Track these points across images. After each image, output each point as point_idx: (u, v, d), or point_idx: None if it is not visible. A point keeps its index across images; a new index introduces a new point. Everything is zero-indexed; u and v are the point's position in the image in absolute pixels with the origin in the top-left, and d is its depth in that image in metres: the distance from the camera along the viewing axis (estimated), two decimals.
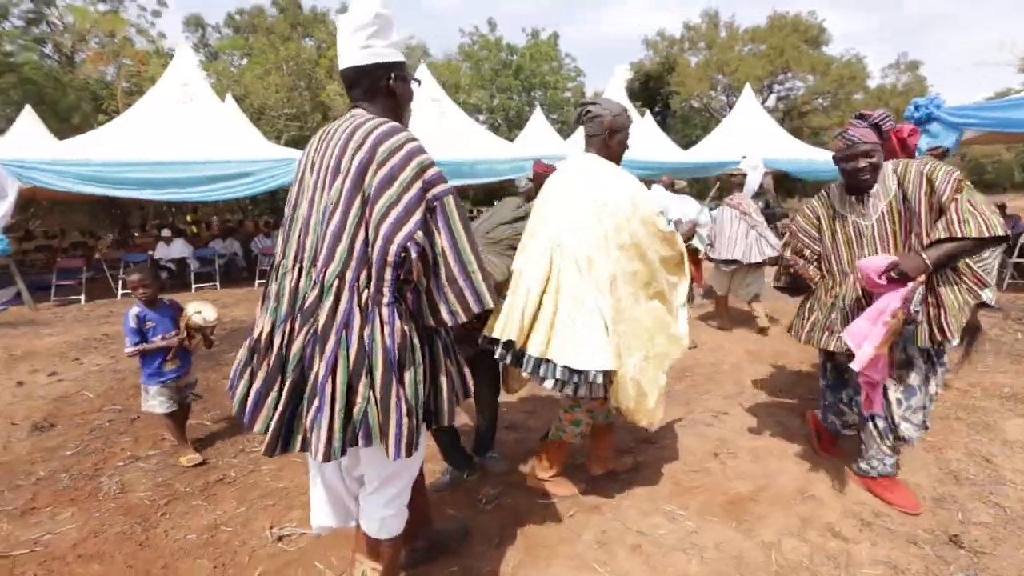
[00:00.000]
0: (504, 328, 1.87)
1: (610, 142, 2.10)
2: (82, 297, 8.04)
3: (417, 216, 1.30)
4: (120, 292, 8.40)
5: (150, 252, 9.22)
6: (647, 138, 13.47)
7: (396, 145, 1.32)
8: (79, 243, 11.97)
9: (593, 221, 1.93)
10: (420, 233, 1.30)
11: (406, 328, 1.32)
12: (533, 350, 1.84)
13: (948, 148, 4.96)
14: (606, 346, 1.83)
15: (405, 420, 1.29)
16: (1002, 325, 4.90)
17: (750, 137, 12.94)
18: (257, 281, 9.13)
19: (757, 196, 6.24)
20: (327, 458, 1.26)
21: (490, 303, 1.38)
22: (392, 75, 1.46)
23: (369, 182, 1.31)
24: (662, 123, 31.08)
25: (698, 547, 1.96)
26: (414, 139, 1.36)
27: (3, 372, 4.59)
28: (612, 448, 2.48)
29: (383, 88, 1.47)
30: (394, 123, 1.39)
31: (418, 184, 1.31)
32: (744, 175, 5.16)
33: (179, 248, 9.34)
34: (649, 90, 31.92)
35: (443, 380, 1.43)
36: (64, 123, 15.74)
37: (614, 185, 2.00)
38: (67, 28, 17.67)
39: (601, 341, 1.82)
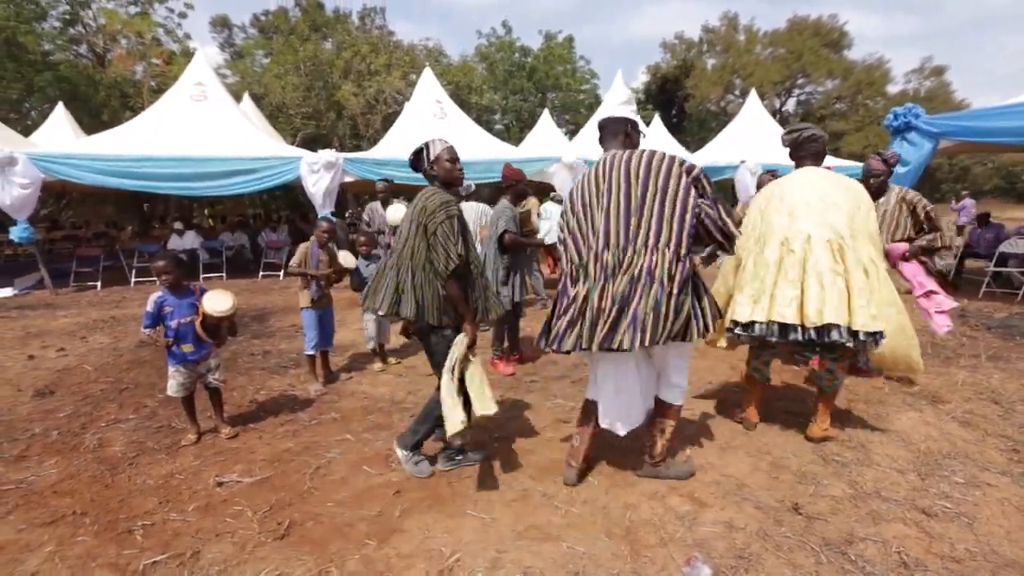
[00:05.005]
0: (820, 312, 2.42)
1: (825, 155, 2.81)
2: (98, 284, 8.65)
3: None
4: (133, 280, 8.98)
5: (163, 243, 9.80)
6: (656, 141, 13.67)
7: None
8: (101, 233, 12.69)
9: (858, 218, 2.57)
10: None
11: None
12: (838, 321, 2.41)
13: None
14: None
15: None
16: (957, 330, 5.02)
17: (755, 141, 13.00)
18: (261, 273, 9.63)
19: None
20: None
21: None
22: (629, 127, 2.32)
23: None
24: (678, 125, 31.07)
25: (566, 503, 2.25)
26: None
27: (18, 347, 5.10)
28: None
29: (624, 132, 2.31)
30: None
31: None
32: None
33: (190, 240, 9.91)
34: (666, 92, 31.86)
35: None
36: (95, 119, 16.61)
37: (857, 187, 2.68)
38: (100, 29, 18.60)
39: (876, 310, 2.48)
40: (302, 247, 3.89)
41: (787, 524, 2.12)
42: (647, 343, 1.98)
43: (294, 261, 3.83)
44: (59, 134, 11.31)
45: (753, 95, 15.12)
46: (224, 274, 9.56)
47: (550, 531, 2.07)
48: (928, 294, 3.06)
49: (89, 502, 2.39)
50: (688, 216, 2.05)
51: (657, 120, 15.76)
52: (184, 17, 21.13)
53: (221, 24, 26.75)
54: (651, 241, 2.05)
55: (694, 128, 31.19)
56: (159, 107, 9.74)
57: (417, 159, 2.47)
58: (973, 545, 2.00)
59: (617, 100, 2.43)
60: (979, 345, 4.48)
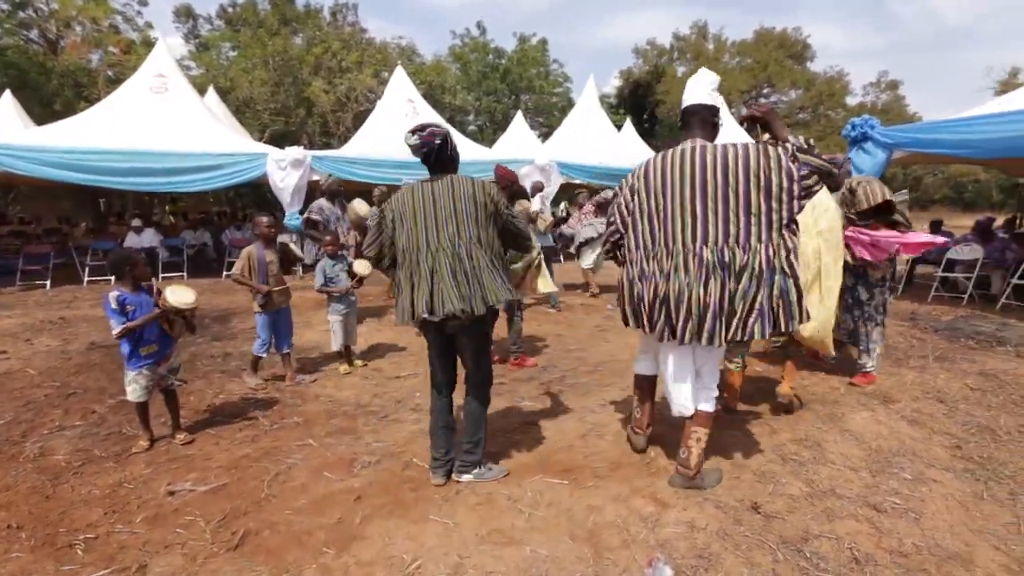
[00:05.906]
0: None
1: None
2: (47, 283, 8.19)
3: None
4: (86, 279, 8.55)
5: (119, 240, 9.36)
6: (626, 146, 13.84)
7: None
8: (53, 230, 12.05)
9: (807, 216, 2.84)
10: None
11: None
12: None
13: None
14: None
15: None
16: (907, 333, 5.26)
17: None
18: (225, 272, 9.30)
19: None
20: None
21: None
22: (718, 116, 2.27)
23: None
24: (650, 131, 31.63)
25: (531, 506, 2.24)
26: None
27: None
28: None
29: (713, 122, 2.24)
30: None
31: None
32: None
33: (149, 237, 9.49)
34: (638, 98, 32.38)
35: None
36: (46, 109, 15.76)
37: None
38: (52, 14, 17.68)
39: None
40: (244, 252, 3.74)
41: (746, 523, 2.16)
42: (783, 328, 2.11)
43: (236, 268, 3.69)
44: (6, 123, 10.69)
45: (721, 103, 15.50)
46: (185, 273, 9.21)
47: (513, 535, 2.06)
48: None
49: (26, 515, 2.25)
50: (795, 204, 2.06)
51: (628, 125, 15.99)
52: (145, 5, 20.41)
53: (185, 14, 25.75)
54: (764, 236, 2.07)
55: (665, 133, 31.78)
56: (116, 98, 9.30)
57: (445, 143, 2.33)
58: (919, 539, 2.08)
59: (709, 84, 2.21)
60: (927, 347, 4.70)
